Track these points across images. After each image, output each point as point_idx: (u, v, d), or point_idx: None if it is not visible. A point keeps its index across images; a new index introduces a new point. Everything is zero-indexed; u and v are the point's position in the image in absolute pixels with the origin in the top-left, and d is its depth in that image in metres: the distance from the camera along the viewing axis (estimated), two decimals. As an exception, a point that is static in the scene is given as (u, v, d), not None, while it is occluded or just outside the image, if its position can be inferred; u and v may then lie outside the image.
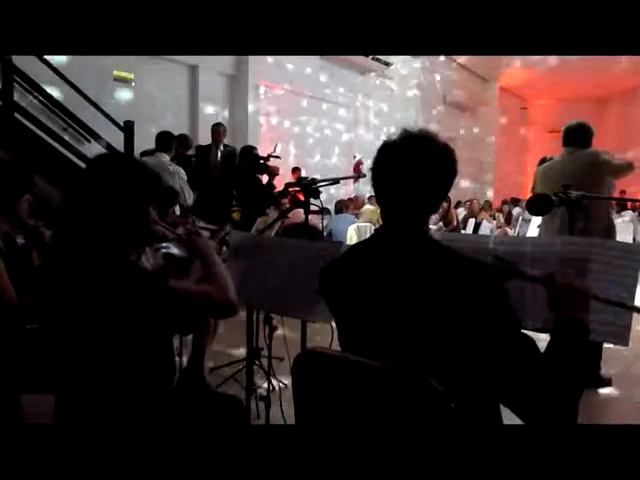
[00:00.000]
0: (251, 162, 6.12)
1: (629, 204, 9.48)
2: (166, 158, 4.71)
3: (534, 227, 5.27)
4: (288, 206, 5.22)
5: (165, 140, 4.82)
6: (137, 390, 1.37)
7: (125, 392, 1.36)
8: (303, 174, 7.90)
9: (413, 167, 1.16)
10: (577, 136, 3.40)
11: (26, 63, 5.19)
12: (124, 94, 6.74)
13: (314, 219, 4.60)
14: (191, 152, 5.92)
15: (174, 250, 2.63)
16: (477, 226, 7.96)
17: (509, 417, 1.11)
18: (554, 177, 3.30)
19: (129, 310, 1.30)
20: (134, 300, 1.30)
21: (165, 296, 1.34)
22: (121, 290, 1.29)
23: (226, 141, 6.22)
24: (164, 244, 2.60)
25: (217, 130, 6.11)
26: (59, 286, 1.34)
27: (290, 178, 7.75)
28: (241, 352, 3.56)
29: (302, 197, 2.43)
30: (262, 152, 6.67)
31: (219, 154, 6.07)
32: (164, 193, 2.78)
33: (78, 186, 1.42)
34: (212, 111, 7.94)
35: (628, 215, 8.89)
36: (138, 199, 1.40)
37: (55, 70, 5.41)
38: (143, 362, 1.39)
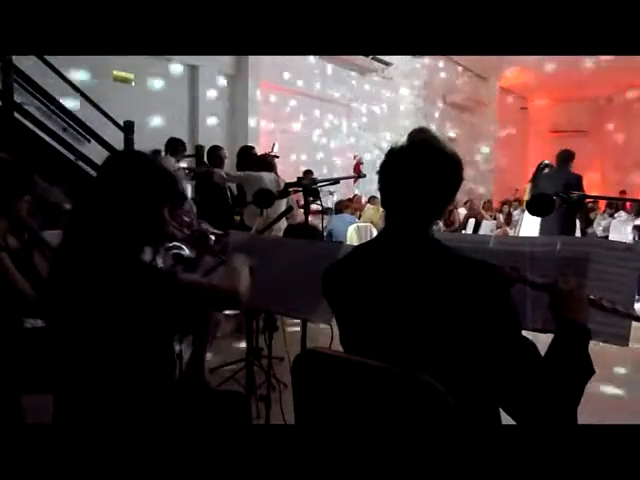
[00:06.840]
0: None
1: (627, 204, 9.46)
2: (174, 162, 4.92)
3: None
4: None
5: (175, 146, 5.27)
6: (138, 389, 1.37)
7: (126, 391, 1.35)
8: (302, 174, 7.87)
9: (419, 173, 1.17)
10: None
11: (26, 63, 5.19)
12: (124, 94, 6.73)
13: (314, 219, 4.62)
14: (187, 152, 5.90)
15: (184, 251, 2.65)
16: (477, 226, 7.96)
17: (509, 417, 1.11)
18: None
19: (140, 306, 1.31)
20: (146, 295, 1.30)
21: (176, 289, 1.35)
22: (133, 286, 1.30)
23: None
24: (173, 244, 2.62)
25: (219, 155, 5.33)
26: (70, 284, 1.34)
27: (295, 179, 7.70)
28: (241, 352, 3.56)
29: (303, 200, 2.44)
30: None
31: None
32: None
33: (95, 183, 1.42)
34: (212, 111, 7.93)
35: (623, 215, 8.88)
36: (155, 198, 1.40)
37: (55, 70, 5.40)
38: (146, 360, 1.39)
